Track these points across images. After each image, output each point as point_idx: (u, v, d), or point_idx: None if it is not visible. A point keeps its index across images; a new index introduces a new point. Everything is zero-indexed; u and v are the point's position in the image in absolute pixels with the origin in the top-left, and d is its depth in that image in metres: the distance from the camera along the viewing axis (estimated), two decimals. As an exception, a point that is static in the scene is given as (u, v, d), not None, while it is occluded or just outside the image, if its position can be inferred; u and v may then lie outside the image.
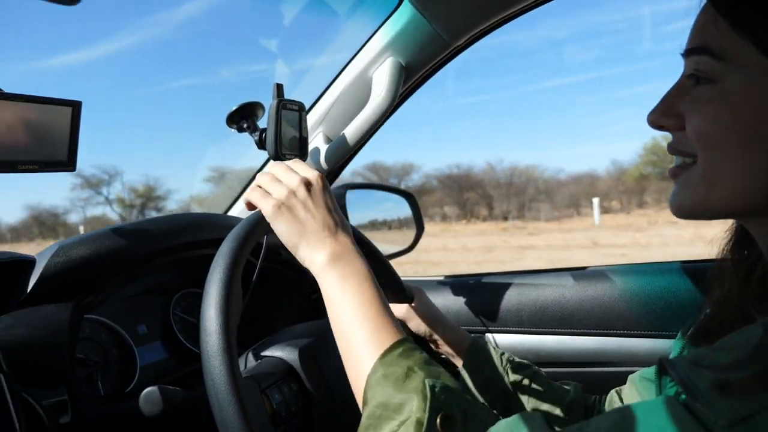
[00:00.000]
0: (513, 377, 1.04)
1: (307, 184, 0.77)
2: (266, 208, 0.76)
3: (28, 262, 0.90)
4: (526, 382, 1.03)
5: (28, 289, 0.86)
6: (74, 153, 0.94)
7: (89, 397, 0.97)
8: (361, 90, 1.28)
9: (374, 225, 1.79)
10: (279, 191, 0.76)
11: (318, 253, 0.73)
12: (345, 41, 1.36)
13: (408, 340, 0.67)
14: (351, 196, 1.70)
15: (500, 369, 1.05)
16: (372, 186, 1.83)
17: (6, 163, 0.84)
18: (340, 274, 0.72)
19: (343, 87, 1.31)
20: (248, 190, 0.80)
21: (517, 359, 1.07)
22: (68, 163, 0.93)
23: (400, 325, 1.13)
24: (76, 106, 0.92)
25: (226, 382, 0.66)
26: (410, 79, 1.27)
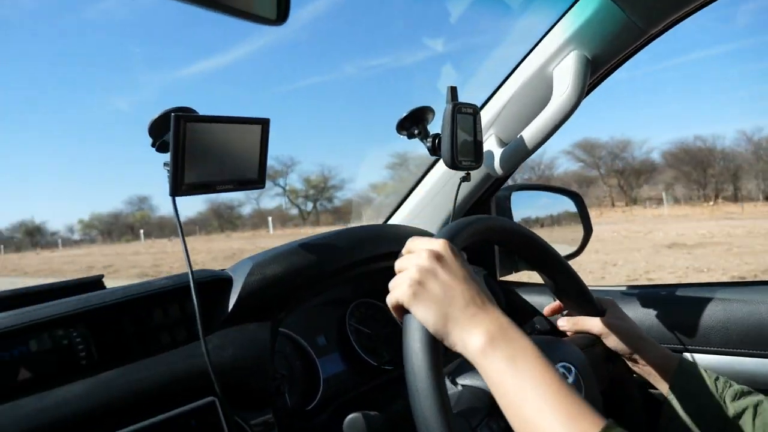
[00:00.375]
0: (733, 407, 0.91)
1: (436, 256, 0.69)
2: (403, 297, 0.67)
3: (226, 280, 0.91)
4: (749, 412, 0.89)
5: (229, 309, 0.87)
6: (264, 170, 0.94)
7: (282, 412, 0.97)
8: (540, 88, 1.19)
9: (527, 222, 1.72)
10: (407, 274, 0.68)
11: (472, 336, 0.64)
12: (517, 37, 1.28)
13: (611, 425, 0.57)
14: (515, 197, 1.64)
15: (716, 396, 0.92)
16: (537, 187, 1.75)
17: (204, 185, 0.85)
18: (507, 356, 0.62)
19: (518, 86, 1.22)
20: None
21: (736, 385, 0.94)
22: (259, 181, 0.94)
23: (596, 341, 1.05)
24: (264, 124, 0.92)
25: (439, 427, 0.61)
26: (596, 73, 1.16)
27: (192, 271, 0.80)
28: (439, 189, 1.42)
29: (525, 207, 1.68)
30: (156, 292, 0.83)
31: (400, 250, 1.15)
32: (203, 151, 0.84)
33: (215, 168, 0.86)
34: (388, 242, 1.13)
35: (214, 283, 0.90)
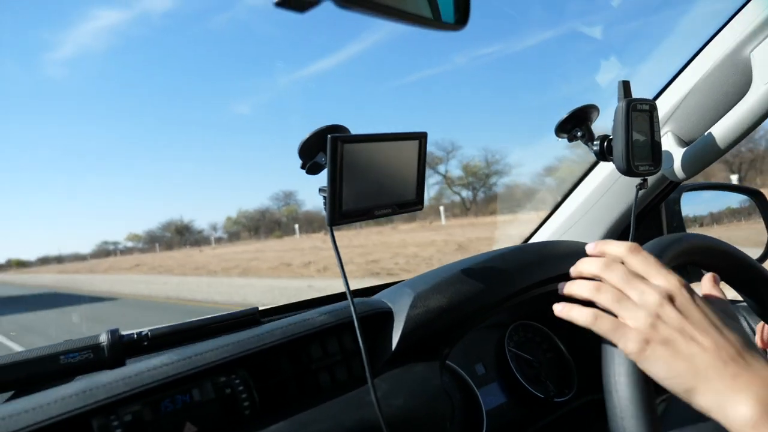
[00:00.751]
0: None
1: (672, 299, 0.55)
2: (629, 347, 0.54)
3: (387, 314, 0.83)
4: None
5: (393, 346, 0.79)
6: (422, 189, 0.85)
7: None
8: (732, 75, 1.01)
9: (684, 222, 1.52)
10: (637, 319, 0.55)
11: (737, 404, 0.50)
12: (698, 16, 1.10)
13: None
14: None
15: None
16: (710, 186, 1.54)
17: (362, 211, 0.77)
18: None
19: (702, 74, 1.04)
20: (576, 310, 0.59)
21: None
22: (417, 202, 0.85)
23: None
24: (422, 139, 0.83)
25: None
26: (809, 53, 0.96)
27: (354, 307, 0.72)
28: (599, 196, 1.26)
29: (684, 204, 1.50)
30: (317, 330, 0.76)
31: (567, 273, 1.02)
32: (361, 173, 0.75)
33: (373, 191, 0.78)
34: (554, 264, 1.00)
35: (375, 317, 0.82)
